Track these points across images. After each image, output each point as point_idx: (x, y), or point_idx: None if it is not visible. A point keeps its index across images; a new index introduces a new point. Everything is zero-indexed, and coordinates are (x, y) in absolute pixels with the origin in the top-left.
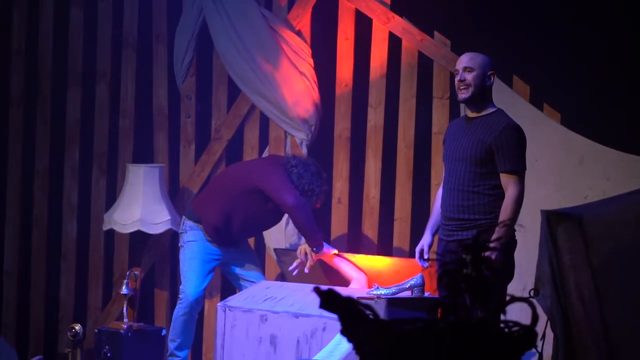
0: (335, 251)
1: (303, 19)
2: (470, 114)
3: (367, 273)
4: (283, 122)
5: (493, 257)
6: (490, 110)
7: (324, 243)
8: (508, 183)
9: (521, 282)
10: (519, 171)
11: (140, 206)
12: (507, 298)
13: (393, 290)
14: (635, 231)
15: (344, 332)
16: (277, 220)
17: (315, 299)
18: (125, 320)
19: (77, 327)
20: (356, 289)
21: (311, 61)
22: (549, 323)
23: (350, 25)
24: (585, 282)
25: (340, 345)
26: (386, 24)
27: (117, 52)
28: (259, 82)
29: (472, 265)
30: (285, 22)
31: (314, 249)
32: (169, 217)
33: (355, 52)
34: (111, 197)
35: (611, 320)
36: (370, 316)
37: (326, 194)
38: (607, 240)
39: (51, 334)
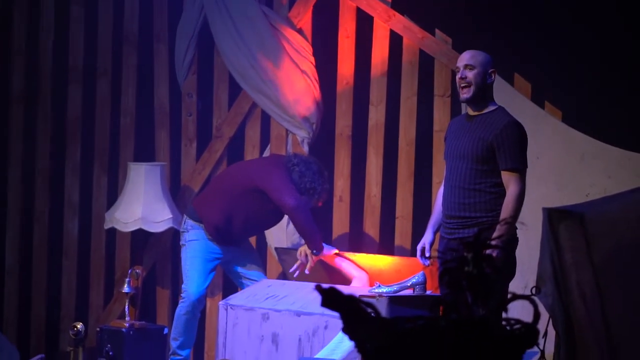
0: (336, 251)
1: (304, 16)
2: (472, 112)
3: (368, 271)
4: (284, 120)
5: (494, 254)
6: (492, 108)
7: (324, 244)
8: (509, 181)
9: (523, 280)
10: (520, 169)
11: (141, 204)
12: (509, 296)
13: (395, 288)
14: (637, 229)
15: (345, 330)
16: (278, 220)
17: (317, 297)
18: (127, 318)
19: (79, 326)
20: (358, 287)
21: (312, 59)
22: (550, 321)
23: (351, 23)
24: (587, 280)
25: (342, 343)
26: (387, 22)
27: (117, 50)
28: (260, 80)
29: (473, 263)
30: (287, 20)
31: (314, 251)
32: (171, 216)
33: (356, 50)
34: (112, 196)
35: (612, 318)
36: (372, 314)
37: (328, 193)
38: (609, 238)
39: (53, 332)
